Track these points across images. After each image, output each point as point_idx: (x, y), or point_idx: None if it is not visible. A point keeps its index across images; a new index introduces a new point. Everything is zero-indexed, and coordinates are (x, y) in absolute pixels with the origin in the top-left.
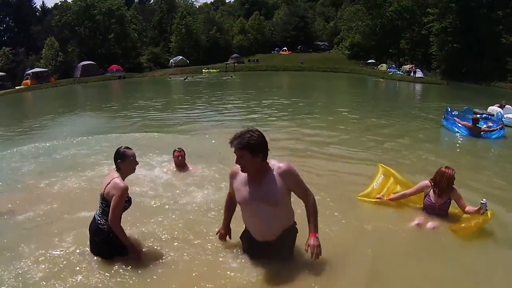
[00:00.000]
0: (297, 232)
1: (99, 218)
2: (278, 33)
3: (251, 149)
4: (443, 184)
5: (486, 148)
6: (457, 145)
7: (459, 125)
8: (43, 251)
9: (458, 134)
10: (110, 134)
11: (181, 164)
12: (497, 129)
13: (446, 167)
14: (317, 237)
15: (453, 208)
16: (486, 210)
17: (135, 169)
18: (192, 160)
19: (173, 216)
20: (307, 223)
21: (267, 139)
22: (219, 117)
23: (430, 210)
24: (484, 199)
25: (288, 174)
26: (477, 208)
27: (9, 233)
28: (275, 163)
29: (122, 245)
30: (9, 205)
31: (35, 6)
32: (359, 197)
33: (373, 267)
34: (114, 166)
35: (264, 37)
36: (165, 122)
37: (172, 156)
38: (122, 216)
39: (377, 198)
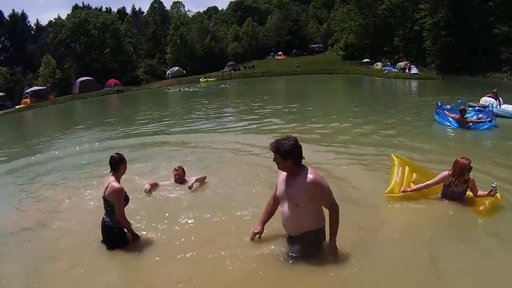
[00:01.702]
0: (322, 239)
1: (105, 217)
2: (272, 38)
3: (281, 153)
4: (461, 173)
5: (476, 138)
6: (448, 137)
7: (449, 118)
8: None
9: (449, 127)
10: (116, 146)
11: (180, 181)
12: (486, 121)
13: (462, 157)
14: (334, 244)
15: (467, 193)
16: (496, 191)
17: (125, 170)
18: (194, 172)
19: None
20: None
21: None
22: (221, 126)
23: (450, 197)
24: (494, 183)
25: (313, 185)
26: (489, 191)
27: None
28: (308, 172)
29: (123, 239)
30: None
31: (30, 25)
32: (386, 194)
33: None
34: (110, 171)
35: (258, 43)
36: (165, 133)
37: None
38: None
39: (402, 191)
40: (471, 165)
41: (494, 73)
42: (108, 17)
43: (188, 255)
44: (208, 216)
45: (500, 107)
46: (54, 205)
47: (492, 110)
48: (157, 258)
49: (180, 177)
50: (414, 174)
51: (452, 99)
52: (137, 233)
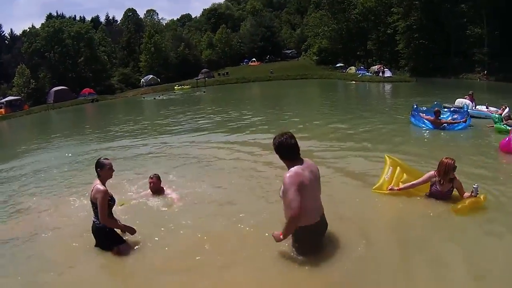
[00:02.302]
0: (306, 237)
1: (95, 219)
2: (246, 44)
3: (273, 147)
4: (446, 172)
5: (450, 139)
6: (422, 139)
7: (424, 119)
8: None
9: (424, 128)
10: (96, 153)
11: (155, 190)
12: (460, 121)
13: (446, 158)
14: (279, 235)
15: (454, 193)
16: (478, 193)
17: (112, 175)
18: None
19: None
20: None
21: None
22: (196, 134)
23: (436, 196)
24: (475, 184)
25: (283, 181)
26: (470, 192)
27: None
28: (290, 169)
29: (117, 237)
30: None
31: (4, 34)
32: (373, 190)
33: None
34: (96, 174)
35: (232, 49)
36: (141, 143)
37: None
38: (112, 211)
39: (389, 189)
40: (455, 164)
41: (467, 74)
42: (82, 26)
43: (184, 262)
44: (199, 223)
45: (475, 108)
46: (41, 215)
47: (467, 111)
48: (152, 265)
49: (155, 185)
50: (405, 174)
51: (426, 101)
52: (131, 226)
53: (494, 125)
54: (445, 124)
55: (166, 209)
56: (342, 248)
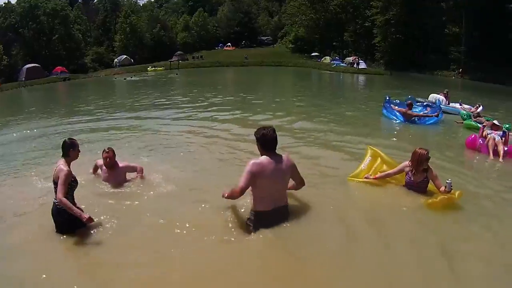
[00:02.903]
0: (254, 222)
1: (56, 201)
2: (222, 29)
3: (255, 136)
4: (419, 162)
5: (419, 132)
6: (393, 131)
7: (396, 112)
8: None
9: (395, 120)
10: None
11: (110, 165)
12: (432, 116)
13: (420, 148)
14: (224, 194)
15: (432, 185)
16: (451, 188)
17: (78, 156)
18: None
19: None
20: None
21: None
22: (164, 115)
23: (410, 186)
24: (449, 179)
25: (247, 163)
26: (444, 187)
27: None
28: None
29: (79, 221)
30: None
31: None
32: (349, 178)
33: (356, 235)
34: (61, 155)
35: (208, 33)
36: (107, 122)
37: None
38: (74, 196)
39: (365, 178)
40: (428, 155)
41: (442, 71)
42: (58, 3)
43: (149, 251)
44: (164, 206)
45: (448, 104)
46: (3, 197)
47: (440, 106)
48: (114, 253)
49: (111, 160)
50: (385, 166)
51: (399, 94)
52: (87, 215)
53: (464, 122)
54: (416, 118)
55: (128, 191)
56: (306, 231)
